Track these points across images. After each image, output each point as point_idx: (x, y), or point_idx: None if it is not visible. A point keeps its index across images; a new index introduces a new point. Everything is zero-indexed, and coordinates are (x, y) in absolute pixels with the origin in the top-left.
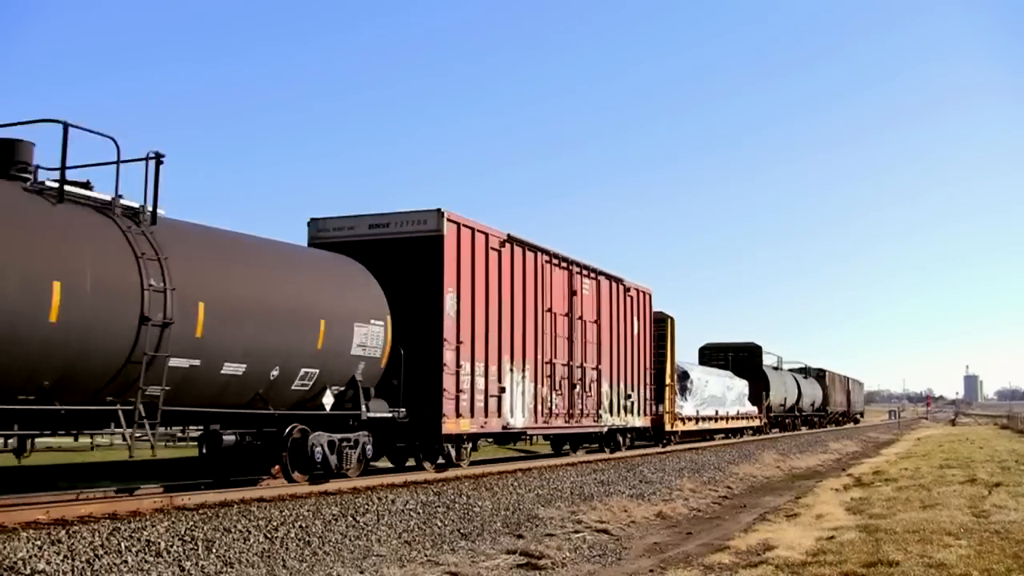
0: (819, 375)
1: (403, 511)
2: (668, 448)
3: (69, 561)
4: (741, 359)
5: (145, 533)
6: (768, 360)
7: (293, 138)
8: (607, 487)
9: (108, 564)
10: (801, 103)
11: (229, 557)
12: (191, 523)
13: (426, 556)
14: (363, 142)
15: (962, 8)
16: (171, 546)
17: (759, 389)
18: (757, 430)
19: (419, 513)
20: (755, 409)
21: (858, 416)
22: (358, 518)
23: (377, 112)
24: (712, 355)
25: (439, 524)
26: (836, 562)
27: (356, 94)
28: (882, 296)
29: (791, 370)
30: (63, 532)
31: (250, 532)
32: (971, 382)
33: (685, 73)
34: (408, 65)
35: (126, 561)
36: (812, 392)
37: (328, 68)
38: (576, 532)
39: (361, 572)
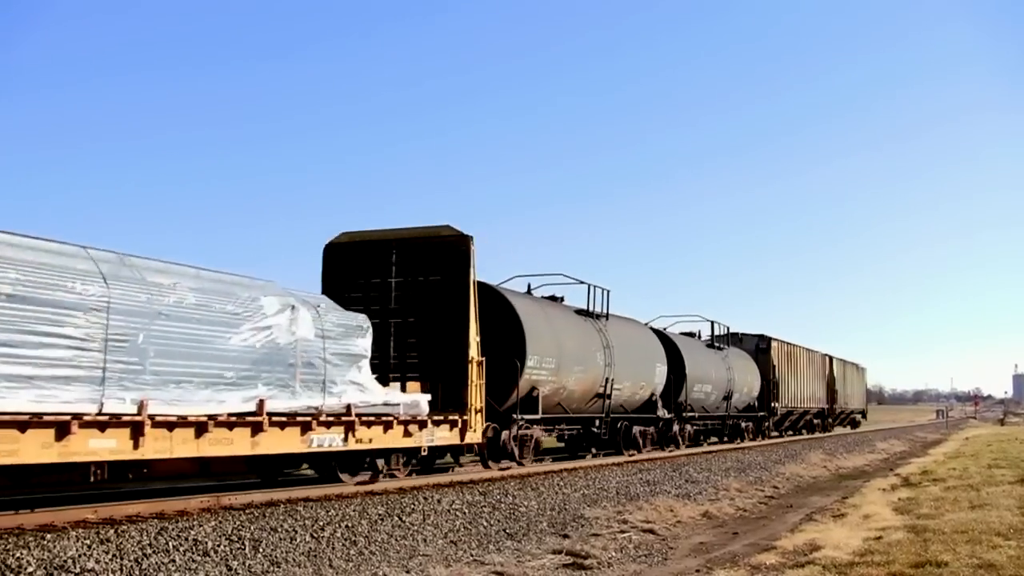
0: (760, 347)
1: (449, 511)
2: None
3: (118, 560)
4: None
5: (192, 532)
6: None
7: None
8: (653, 487)
9: (156, 563)
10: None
11: (276, 556)
12: (238, 523)
13: (472, 556)
14: (359, 149)
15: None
16: (218, 545)
17: (438, 336)
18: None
19: (465, 513)
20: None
21: (857, 417)
22: (404, 518)
23: (367, 122)
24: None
25: (485, 524)
26: (884, 562)
27: (359, 101)
28: (929, 296)
29: (685, 334)
30: (112, 531)
31: (296, 532)
32: (1020, 381)
33: (690, 84)
34: (400, 75)
35: (174, 560)
36: (726, 375)
37: (322, 79)
38: (622, 532)
39: (407, 572)
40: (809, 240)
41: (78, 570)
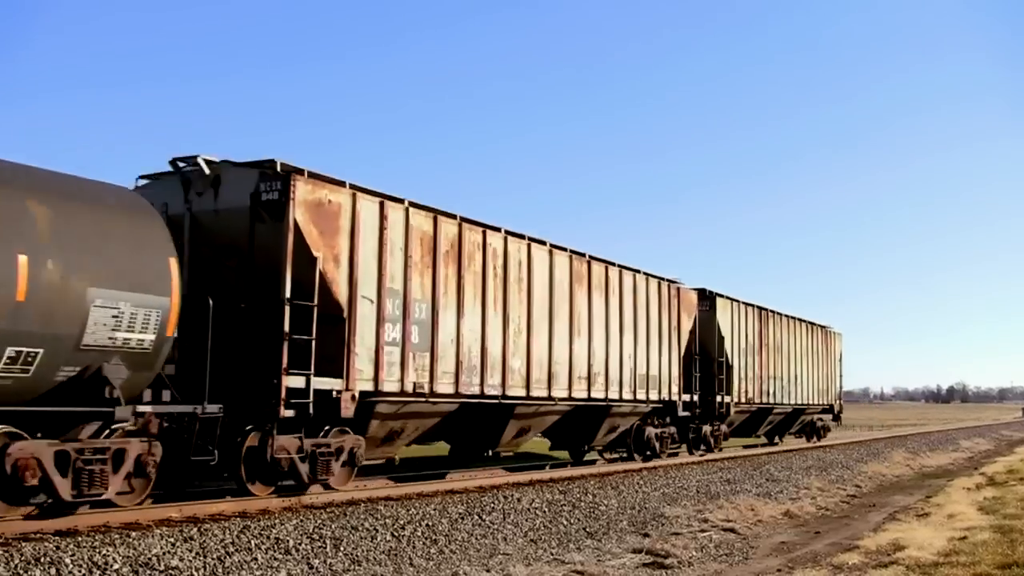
0: (266, 197)
1: (529, 510)
2: None
3: (201, 558)
4: None
5: (274, 531)
6: None
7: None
8: (733, 485)
9: (239, 561)
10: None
11: (357, 555)
12: (319, 521)
13: (552, 555)
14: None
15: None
16: (300, 544)
17: None
18: None
19: (545, 512)
20: None
21: (822, 419)
22: (484, 517)
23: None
24: None
25: (565, 523)
26: (969, 563)
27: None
28: (1015, 293)
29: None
30: (195, 529)
31: (377, 530)
32: None
33: (710, 100)
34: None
35: (256, 559)
36: None
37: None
38: (702, 531)
39: (487, 570)
40: (890, 242)
41: (162, 568)
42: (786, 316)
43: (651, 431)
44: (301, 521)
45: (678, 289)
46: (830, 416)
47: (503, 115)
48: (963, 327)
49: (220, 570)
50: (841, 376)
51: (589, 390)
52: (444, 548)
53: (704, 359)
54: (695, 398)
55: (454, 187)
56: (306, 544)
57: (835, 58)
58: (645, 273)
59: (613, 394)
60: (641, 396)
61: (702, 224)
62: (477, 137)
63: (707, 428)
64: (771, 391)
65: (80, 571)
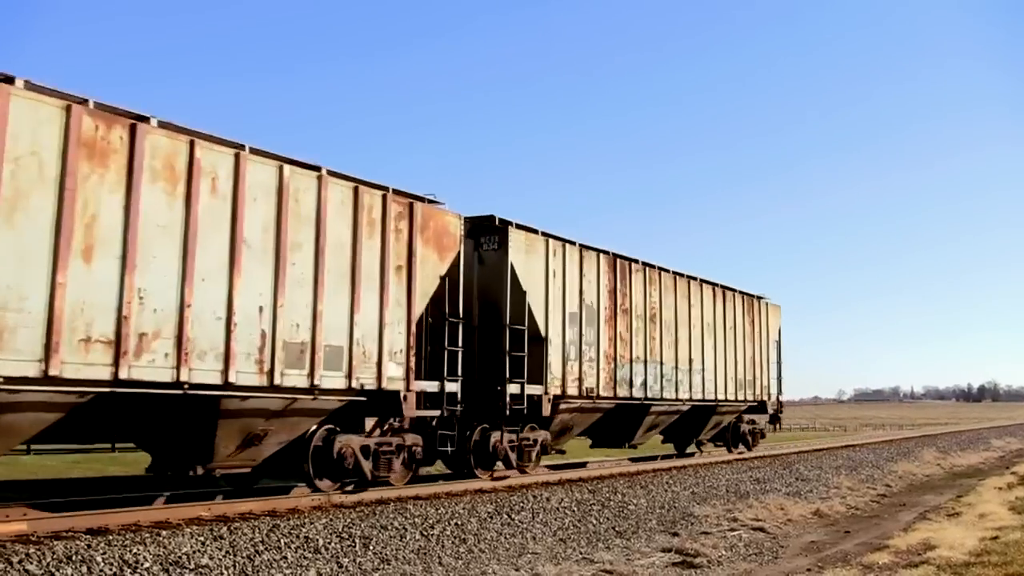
0: None
1: (558, 509)
2: None
3: (231, 556)
4: None
5: (304, 530)
6: None
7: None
8: (763, 485)
9: (268, 560)
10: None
11: (386, 554)
12: (348, 520)
13: (581, 554)
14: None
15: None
16: (329, 543)
17: None
18: None
19: (574, 511)
20: None
21: (754, 422)
22: (513, 516)
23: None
24: None
25: (594, 522)
26: (1001, 563)
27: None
28: None
29: None
30: (224, 528)
31: (406, 529)
32: None
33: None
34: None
35: (285, 557)
36: None
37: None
38: (732, 530)
39: (516, 569)
40: (919, 242)
41: (193, 566)
42: (673, 273)
43: (350, 443)
44: (330, 520)
45: (410, 205)
46: (765, 417)
47: (509, 117)
48: (994, 326)
49: (250, 568)
50: (779, 364)
51: (118, 364)
52: (473, 547)
53: (487, 325)
54: (452, 388)
55: (458, 187)
56: (335, 543)
57: (835, 64)
58: (328, 171)
59: (208, 376)
60: (300, 382)
61: (718, 225)
62: (484, 139)
63: (497, 437)
64: (639, 381)
65: (111, 569)
